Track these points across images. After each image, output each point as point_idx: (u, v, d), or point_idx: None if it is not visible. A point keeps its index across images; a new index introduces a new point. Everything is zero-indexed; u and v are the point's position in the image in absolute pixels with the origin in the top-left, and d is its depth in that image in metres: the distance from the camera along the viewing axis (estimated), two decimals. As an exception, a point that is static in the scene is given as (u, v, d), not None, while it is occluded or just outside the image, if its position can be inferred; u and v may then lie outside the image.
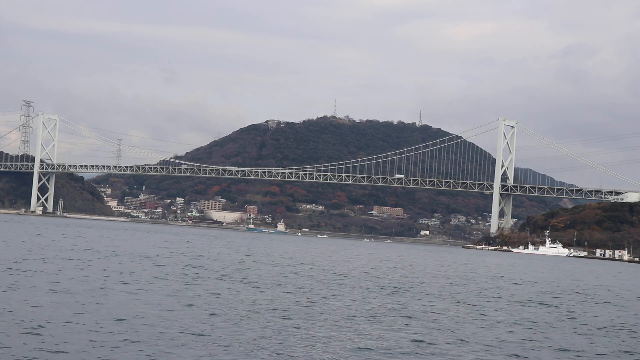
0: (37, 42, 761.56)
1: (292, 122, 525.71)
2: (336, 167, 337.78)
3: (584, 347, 34.37)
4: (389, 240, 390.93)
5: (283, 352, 27.25)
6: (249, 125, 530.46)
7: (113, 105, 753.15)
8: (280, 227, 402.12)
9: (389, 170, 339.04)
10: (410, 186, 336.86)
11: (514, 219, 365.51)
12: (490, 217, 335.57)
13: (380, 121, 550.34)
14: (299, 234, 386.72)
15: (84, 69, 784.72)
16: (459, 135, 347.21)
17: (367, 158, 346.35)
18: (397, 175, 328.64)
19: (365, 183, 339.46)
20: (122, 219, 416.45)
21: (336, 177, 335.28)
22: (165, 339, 28.06)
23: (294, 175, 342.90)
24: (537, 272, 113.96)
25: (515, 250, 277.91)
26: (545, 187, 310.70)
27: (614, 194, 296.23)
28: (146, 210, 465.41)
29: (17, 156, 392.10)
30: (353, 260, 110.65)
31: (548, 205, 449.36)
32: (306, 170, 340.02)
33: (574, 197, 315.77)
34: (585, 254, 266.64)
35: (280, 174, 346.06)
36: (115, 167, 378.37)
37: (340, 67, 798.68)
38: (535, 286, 77.03)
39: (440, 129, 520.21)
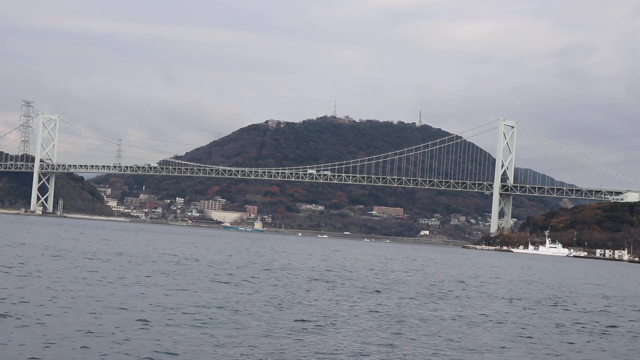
0: (35, 42, 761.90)
1: (292, 122, 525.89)
2: (336, 167, 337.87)
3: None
4: (388, 241, 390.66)
5: None
6: (249, 125, 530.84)
7: (112, 105, 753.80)
8: (257, 225, 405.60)
9: (389, 170, 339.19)
10: (410, 186, 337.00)
11: (514, 219, 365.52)
12: (490, 217, 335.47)
13: (380, 121, 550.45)
14: (299, 234, 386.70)
15: (82, 68, 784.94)
16: (458, 135, 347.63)
17: (367, 158, 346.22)
18: (310, 171, 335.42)
19: (365, 183, 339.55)
20: (122, 219, 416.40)
21: (336, 177, 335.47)
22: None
23: (294, 175, 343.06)
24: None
25: (515, 250, 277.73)
26: (545, 187, 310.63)
27: (614, 194, 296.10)
28: (146, 210, 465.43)
29: (17, 156, 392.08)
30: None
31: (548, 205, 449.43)
32: (306, 170, 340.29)
33: (574, 197, 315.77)
34: (585, 254, 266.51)
35: (280, 174, 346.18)
36: (115, 167, 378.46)
37: (340, 67, 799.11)
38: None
39: (440, 129, 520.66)
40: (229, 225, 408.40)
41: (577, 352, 32.70)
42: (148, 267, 62.03)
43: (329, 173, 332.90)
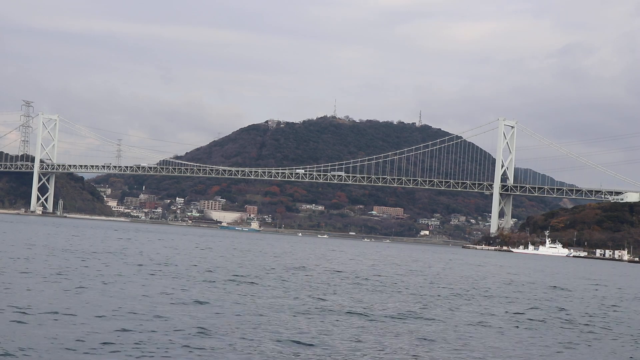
0: (35, 42, 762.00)
1: (292, 122, 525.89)
2: (336, 167, 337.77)
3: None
4: (388, 241, 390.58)
5: None
6: (249, 125, 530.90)
7: (111, 105, 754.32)
8: (254, 225, 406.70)
9: (389, 170, 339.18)
10: (410, 186, 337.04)
11: (514, 219, 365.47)
12: (490, 217, 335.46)
13: (380, 121, 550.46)
14: (300, 234, 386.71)
15: (82, 68, 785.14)
16: (458, 135, 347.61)
17: (367, 158, 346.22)
18: (297, 171, 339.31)
19: (365, 183, 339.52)
20: (122, 219, 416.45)
21: (336, 177, 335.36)
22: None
23: (293, 175, 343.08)
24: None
25: (515, 250, 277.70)
26: (545, 187, 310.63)
27: (614, 194, 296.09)
28: (146, 210, 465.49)
29: (17, 156, 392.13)
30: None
31: (548, 205, 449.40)
32: (306, 170, 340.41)
33: (574, 197, 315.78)
34: (585, 254, 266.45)
35: (280, 174, 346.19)
36: (115, 167, 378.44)
37: (340, 67, 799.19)
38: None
39: (440, 129, 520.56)
40: (226, 225, 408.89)
41: None
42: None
43: (343, 174, 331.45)
